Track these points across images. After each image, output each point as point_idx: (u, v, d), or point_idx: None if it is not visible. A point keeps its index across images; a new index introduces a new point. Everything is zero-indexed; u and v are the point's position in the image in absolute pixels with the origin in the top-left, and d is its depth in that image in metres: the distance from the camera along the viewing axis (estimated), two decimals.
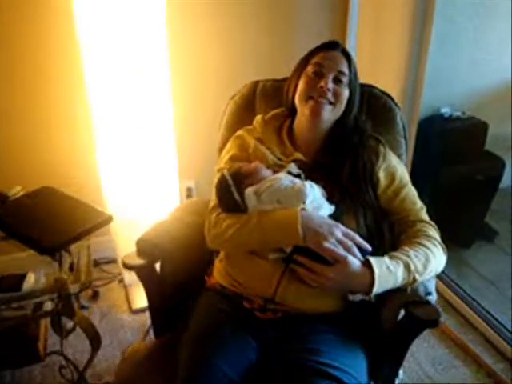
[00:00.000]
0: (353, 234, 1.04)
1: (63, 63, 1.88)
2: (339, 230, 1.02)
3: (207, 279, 1.23)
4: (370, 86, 1.38)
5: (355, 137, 1.18)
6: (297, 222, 1.01)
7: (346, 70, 1.15)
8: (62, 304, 1.42)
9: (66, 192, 1.76)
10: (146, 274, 1.21)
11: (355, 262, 1.00)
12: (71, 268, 1.48)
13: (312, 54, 1.19)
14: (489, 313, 1.98)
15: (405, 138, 1.36)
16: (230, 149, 1.29)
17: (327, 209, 1.08)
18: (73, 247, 1.55)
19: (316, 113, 1.14)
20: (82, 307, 2.09)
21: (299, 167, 1.16)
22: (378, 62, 1.90)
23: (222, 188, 1.13)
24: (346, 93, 1.16)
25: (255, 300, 1.10)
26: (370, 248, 1.04)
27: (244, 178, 1.11)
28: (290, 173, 1.12)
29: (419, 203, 1.19)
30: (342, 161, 1.16)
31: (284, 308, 1.08)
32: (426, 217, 1.18)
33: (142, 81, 1.68)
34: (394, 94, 1.36)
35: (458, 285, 2.15)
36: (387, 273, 1.00)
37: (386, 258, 1.03)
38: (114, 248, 2.15)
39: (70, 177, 1.97)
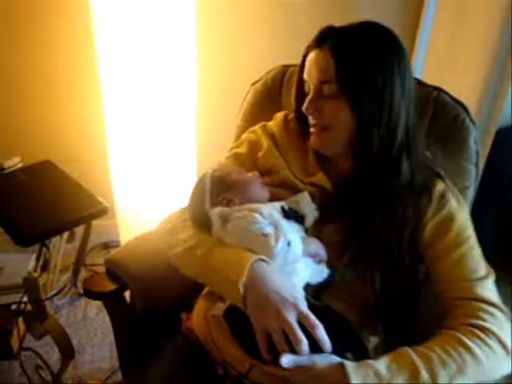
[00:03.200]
0: (314, 322, 0.68)
1: (74, 28, 1.68)
2: (293, 313, 0.68)
3: (184, 318, 0.95)
4: (438, 89, 1.02)
5: (403, 168, 0.83)
6: (240, 276, 0.71)
7: (331, 75, 0.80)
8: (32, 305, 1.22)
9: (67, 170, 1.57)
10: (112, 304, 0.96)
11: (319, 365, 0.68)
12: (44, 266, 1.26)
13: (306, 52, 0.86)
14: None
15: (476, 164, 1.00)
16: (241, 143, 1.01)
17: (310, 273, 0.78)
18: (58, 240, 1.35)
19: (316, 146, 0.88)
20: (80, 295, 1.91)
21: (316, 196, 0.86)
22: (452, 60, 1.50)
23: (197, 190, 0.87)
24: (339, 107, 0.81)
25: (230, 370, 0.82)
26: (329, 349, 0.69)
27: (227, 189, 0.84)
28: (283, 210, 0.82)
29: (481, 270, 0.81)
30: (374, 201, 0.84)
31: None
32: (488, 293, 0.79)
33: (163, 56, 1.41)
34: (466, 103, 1.00)
35: None
36: (374, 381, 0.68)
37: (380, 362, 0.71)
38: (119, 232, 1.94)
39: (75, 153, 1.79)
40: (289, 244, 0.74)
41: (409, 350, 0.73)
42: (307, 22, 1.74)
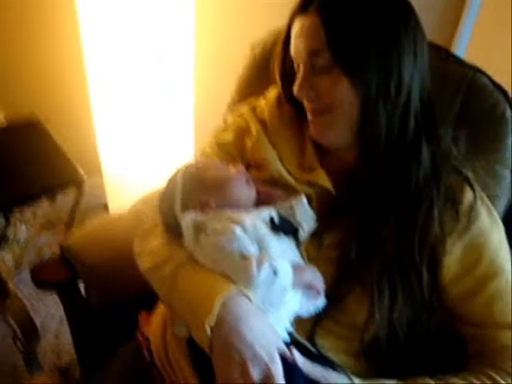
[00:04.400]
0: None
1: None
2: (261, 373, 0.54)
3: (142, 321, 0.81)
4: (475, 69, 0.82)
5: (420, 162, 0.66)
6: (208, 316, 0.57)
7: (321, 41, 0.64)
8: None
9: (53, 127, 1.44)
10: (64, 295, 0.84)
11: None
12: (3, 240, 1.14)
13: (289, 23, 0.70)
14: None
15: None
16: (227, 128, 0.83)
17: (301, 304, 0.63)
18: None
19: (315, 135, 0.71)
20: None
21: (313, 199, 0.69)
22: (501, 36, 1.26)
23: (167, 190, 0.71)
24: (337, 80, 0.65)
25: None
26: None
27: (203, 188, 0.68)
28: (272, 221, 0.64)
29: None
30: (387, 200, 0.67)
31: None
32: None
33: (156, 12, 1.22)
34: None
35: None
36: None
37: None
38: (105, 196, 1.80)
39: (63, 110, 1.65)
40: (275, 273, 0.59)
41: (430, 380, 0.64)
42: None
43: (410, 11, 0.67)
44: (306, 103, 0.70)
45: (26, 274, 1.62)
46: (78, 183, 1.16)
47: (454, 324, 0.71)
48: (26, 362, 1.38)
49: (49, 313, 1.63)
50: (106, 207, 2.06)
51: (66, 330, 1.58)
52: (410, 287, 0.66)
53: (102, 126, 1.47)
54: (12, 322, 1.22)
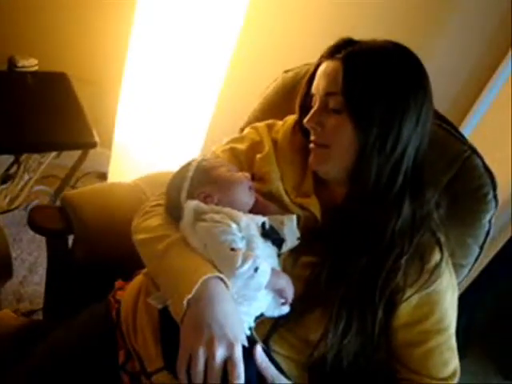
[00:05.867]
0: (239, 374, 0.59)
1: None
2: (225, 352, 0.59)
3: (117, 286, 0.86)
4: (473, 150, 0.90)
5: (399, 215, 0.74)
6: (188, 291, 0.63)
7: (338, 86, 0.72)
8: None
9: (79, 88, 1.49)
10: (53, 243, 0.89)
11: None
12: (7, 178, 1.19)
13: (317, 63, 0.79)
14: None
15: (482, 246, 0.89)
16: (242, 139, 0.91)
17: (269, 305, 0.71)
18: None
19: (313, 164, 0.79)
20: None
21: (301, 221, 0.76)
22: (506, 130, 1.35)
23: (178, 176, 0.79)
24: (341, 123, 0.73)
25: (135, 362, 0.74)
26: None
27: (209, 183, 0.75)
28: (263, 227, 0.72)
29: (451, 366, 0.76)
30: (363, 241, 0.74)
31: None
32: None
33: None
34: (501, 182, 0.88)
35: None
36: None
37: None
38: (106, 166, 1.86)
39: (93, 74, 1.72)
40: (256, 270, 0.65)
41: None
42: (377, 27, 1.61)
43: (423, 82, 0.75)
44: (311, 134, 0.78)
45: (9, 215, 1.66)
46: (89, 147, 1.22)
47: (393, 364, 0.78)
48: None
49: (20, 258, 1.66)
50: (104, 176, 2.12)
51: (32, 279, 1.62)
52: (364, 322, 0.72)
53: (126, 102, 1.54)
54: None
